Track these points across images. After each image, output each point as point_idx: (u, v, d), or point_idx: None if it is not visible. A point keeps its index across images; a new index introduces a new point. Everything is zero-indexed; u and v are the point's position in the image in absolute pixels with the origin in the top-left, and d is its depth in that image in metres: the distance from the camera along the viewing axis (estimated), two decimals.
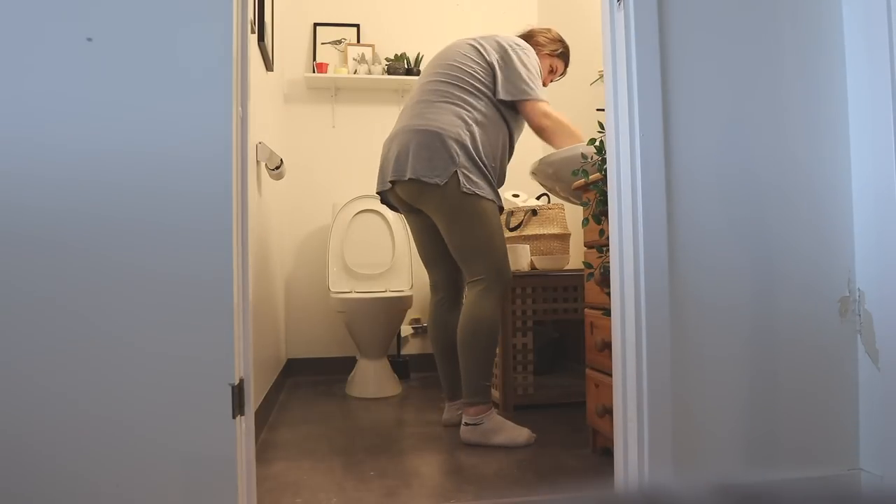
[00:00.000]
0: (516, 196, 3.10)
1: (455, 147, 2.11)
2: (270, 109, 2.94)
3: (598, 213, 1.81)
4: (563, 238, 2.83)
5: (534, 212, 2.84)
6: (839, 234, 1.55)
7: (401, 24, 3.69)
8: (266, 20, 2.61)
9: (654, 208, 1.45)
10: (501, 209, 2.26)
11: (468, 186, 2.11)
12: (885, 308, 1.47)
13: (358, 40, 3.64)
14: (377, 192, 2.35)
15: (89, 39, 1.26)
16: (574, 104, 3.26)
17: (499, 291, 2.16)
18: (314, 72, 3.52)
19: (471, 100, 2.19)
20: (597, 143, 1.85)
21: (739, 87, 1.53)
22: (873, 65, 1.49)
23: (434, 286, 2.41)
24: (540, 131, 2.27)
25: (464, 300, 2.25)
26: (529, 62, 2.26)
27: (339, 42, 3.64)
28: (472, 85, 2.20)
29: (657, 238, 1.45)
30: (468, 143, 2.14)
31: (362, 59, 3.58)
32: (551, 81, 2.54)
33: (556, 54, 2.48)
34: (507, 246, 2.66)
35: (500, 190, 2.34)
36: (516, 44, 2.28)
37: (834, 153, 1.56)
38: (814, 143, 1.55)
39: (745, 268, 1.51)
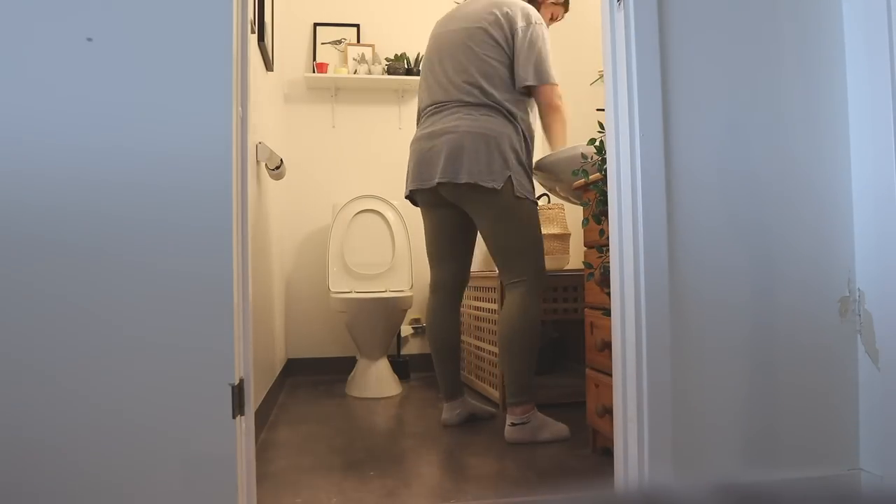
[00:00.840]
0: None
1: (509, 152, 2.15)
2: (270, 109, 2.94)
3: (598, 213, 1.81)
4: (563, 238, 2.83)
5: None
6: (839, 233, 1.55)
7: (401, 24, 3.69)
8: (266, 20, 2.61)
9: (654, 208, 1.45)
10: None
11: (520, 191, 2.16)
12: (885, 308, 1.47)
13: (358, 40, 3.64)
14: (414, 189, 2.30)
15: (89, 39, 1.26)
16: (574, 104, 3.26)
17: (540, 291, 2.19)
18: (314, 72, 3.52)
19: (508, 97, 2.20)
20: (597, 143, 1.85)
21: (739, 87, 1.53)
22: (873, 64, 1.49)
23: (440, 285, 2.39)
24: (553, 111, 2.24)
25: (506, 300, 2.25)
26: (546, 39, 2.25)
27: (339, 42, 3.64)
28: (503, 81, 2.20)
29: (657, 238, 1.45)
30: (518, 147, 2.19)
31: (362, 59, 3.58)
32: (551, 24, 2.51)
33: (560, 3, 2.47)
34: None
35: None
36: (528, 20, 2.23)
37: (834, 152, 1.56)
38: (814, 143, 1.55)
39: (745, 267, 1.51)
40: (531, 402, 2.15)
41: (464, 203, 2.22)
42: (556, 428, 2.15)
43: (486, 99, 2.19)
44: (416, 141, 2.31)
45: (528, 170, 2.23)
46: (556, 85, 2.23)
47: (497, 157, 2.13)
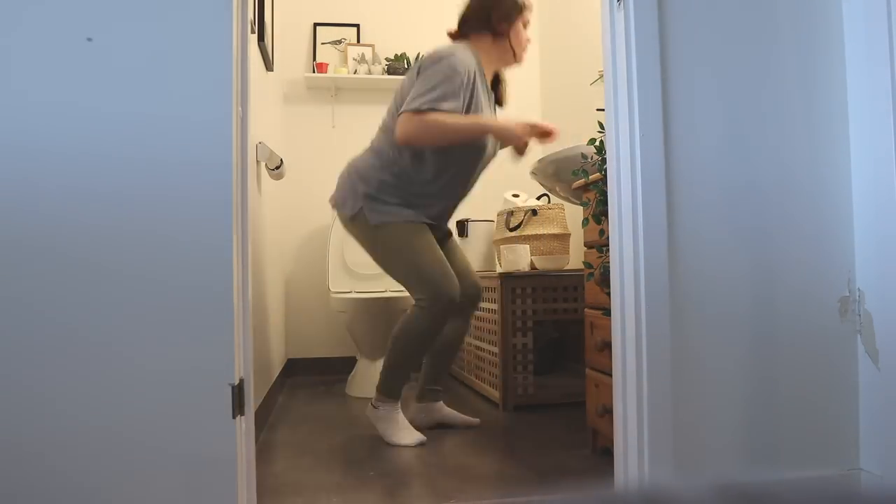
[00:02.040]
0: (516, 196, 3.10)
1: (360, 185, 2.21)
2: (270, 109, 2.94)
3: (598, 213, 1.81)
4: (563, 238, 2.83)
5: (534, 212, 2.84)
6: (839, 233, 1.55)
7: (401, 24, 3.69)
8: (266, 20, 2.61)
9: (654, 208, 1.45)
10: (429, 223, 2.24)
11: (373, 218, 2.18)
12: (885, 308, 1.47)
13: (358, 40, 3.64)
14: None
15: (89, 39, 1.26)
16: (574, 104, 3.26)
17: (438, 310, 2.14)
18: (314, 72, 3.52)
19: (384, 139, 2.22)
20: (597, 143, 1.85)
21: (739, 87, 1.53)
22: (873, 63, 1.49)
23: None
24: (406, 142, 2.10)
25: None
26: (434, 74, 2.07)
27: (339, 42, 3.64)
28: (389, 126, 2.21)
29: (657, 238, 1.45)
30: (372, 180, 2.19)
31: (362, 59, 3.58)
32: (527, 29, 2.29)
33: (524, 8, 2.24)
34: (507, 246, 2.68)
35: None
36: (430, 59, 2.11)
37: (834, 152, 1.56)
38: (814, 143, 1.55)
39: (745, 267, 1.51)
40: (384, 394, 2.21)
41: (350, 233, 2.32)
42: (393, 432, 2.16)
43: (373, 138, 2.30)
44: None
45: (386, 199, 2.18)
46: (414, 111, 2.04)
47: (349, 189, 2.24)
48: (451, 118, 2.06)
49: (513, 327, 2.57)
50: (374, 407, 2.24)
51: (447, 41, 2.32)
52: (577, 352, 2.94)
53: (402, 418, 2.22)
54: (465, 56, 2.13)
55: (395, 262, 2.22)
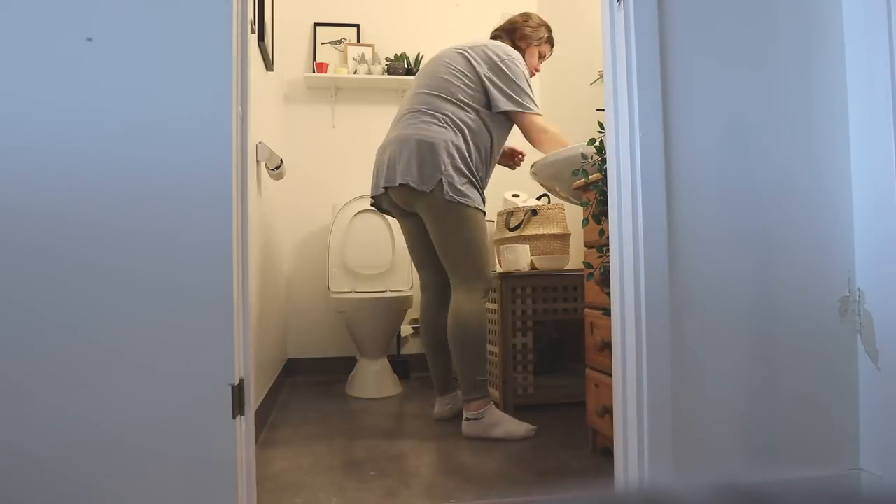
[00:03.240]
0: (516, 196, 3.09)
1: (444, 157, 2.21)
2: (270, 109, 2.94)
3: (598, 213, 1.81)
4: (563, 238, 2.83)
5: (534, 212, 2.84)
6: (839, 233, 1.55)
7: (401, 24, 3.69)
8: (266, 20, 2.61)
9: (654, 208, 1.45)
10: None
11: (451, 194, 2.21)
12: (885, 308, 1.47)
13: (358, 40, 3.64)
14: (372, 197, 2.47)
15: (89, 39, 1.26)
16: (574, 104, 3.26)
17: (480, 291, 2.28)
18: (314, 72, 3.52)
19: (459, 112, 2.29)
20: (597, 143, 1.85)
21: (739, 87, 1.53)
22: (873, 63, 1.49)
23: (423, 286, 2.54)
24: (538, 144, 2.37)
25: (451, 301, 2.35)
26: (523, 73, 2.36)
27: (339, 42, 3.64)
28: (460, 99, 2.30)
29: (657, 238, 1.45)
30: (455, 153, 2.24)
31: (362, 59, 3.58)
32: (541, 63, 2.62)
33: (544, 41, 2.57)
34: (507, 246, 2.68)
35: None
36: (506, 55, 2.36)
37: (834, 152, 1.56)
38: (814, 143, 1.55)
39: (745, 266, 1.51)
40: (484, 398, 2.23)
41: (413, 207, 2.33)
42: (513, 426, 2.19)
43: (435, 109, 2.29)
44: (377, 153, 2.45)
45: (472, 178, 2.29)
46: (537, 115, 2.35)
47: (430, 161, 2.21)
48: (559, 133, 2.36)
49: (513, 327, 2.56)
50: (476, 419, 2.20)
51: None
52: (577, 352, 2.94)
53: (502, 413, 2.26)
54: None
55: (465, 244, 2.26)
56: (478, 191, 2.32)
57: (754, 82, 1.53)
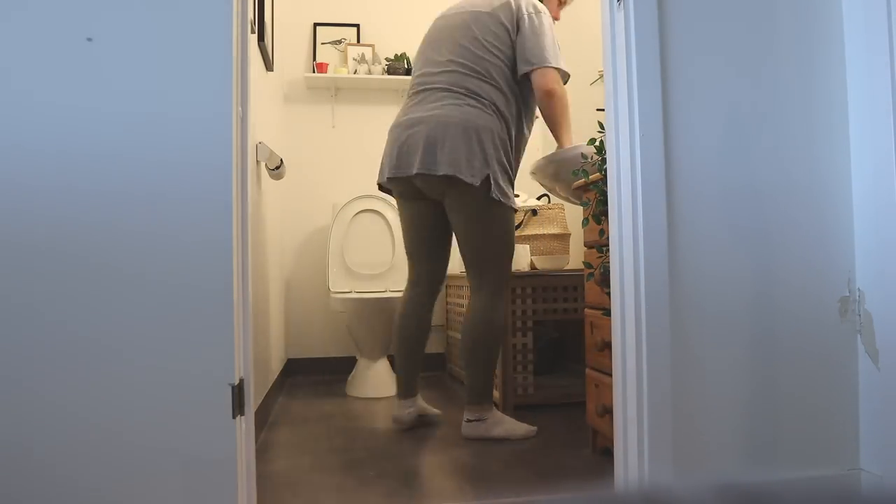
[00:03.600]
0: (516, 196, 3.09)
1: (491, 149, 2.08)
2: (270, 109, 2.94)
3: (598, 213, 1.81)
4: (563, 238, 2.83)
5: (534, 212, 2.84)
6: (839, 233, 1.55)
7: (401, 24, 3.69)
8: (266, 20, 2.61)
9: (654, 208, 1.45)
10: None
11: (496, 193, 2.09)
12: (885, 308, 1.47)
13: (358, 40, 3.64)
14: (389, 177, 2.20)
15: (89, 39, 1.26)
16: (574, 104, 3.26)
17: (504, 297, 2.21)
18: (314, 72, 3.52)
19: (499, 97, 2.13)
20: (597, 144, 1.85)
21: (739, 87, 1.53)
22: (873, 63, 1.49)
23: (415, 281, 2.35)
24: (548, 96, 2.14)
25: (472, 304, 2.24)
26: (549, 28, 2.19)
27: (339, 42, 3.64)
28: (495, 79, 2.14)
29: (657, 238, 1.45)
30: (500, 146, 2.11)
31: (362, 59, 3.58)
32: (560, 10, 2.47)
33: None
34: None
35: None
36: (535, 9, 2.19)
37: (834, 152, 1.56)
38: (814, 143, 1.55)
39: (745, 266, 1.51)
40: (489, 401, 2.20)
41: (443, 196, 2.15)
42: (512, 426, 2.17)
43: (476, 91, 2.11)
44: (395, 127, 2.21)
45: (510, 174, 2.18)
46: (557, 69, 2.14)
47: (478, 151, 2.05)
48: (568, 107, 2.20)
49: (513, 327, 2.56)
50: (480, 420, 2.16)
51: None
52: (577, 352, 2.94)
53: (502, 413, 2.24)
54: None
55: (500, 246, 2.15)
56: (512, 188, 2.20)
57: (754, 82, 1.53)
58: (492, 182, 2.07)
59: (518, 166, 2.32)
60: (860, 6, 1.52)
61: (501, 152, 2.12)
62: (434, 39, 2.29)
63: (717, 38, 1.52)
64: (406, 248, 2.37)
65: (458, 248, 2.23)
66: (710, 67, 1.51)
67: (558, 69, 2.16)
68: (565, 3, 2.47)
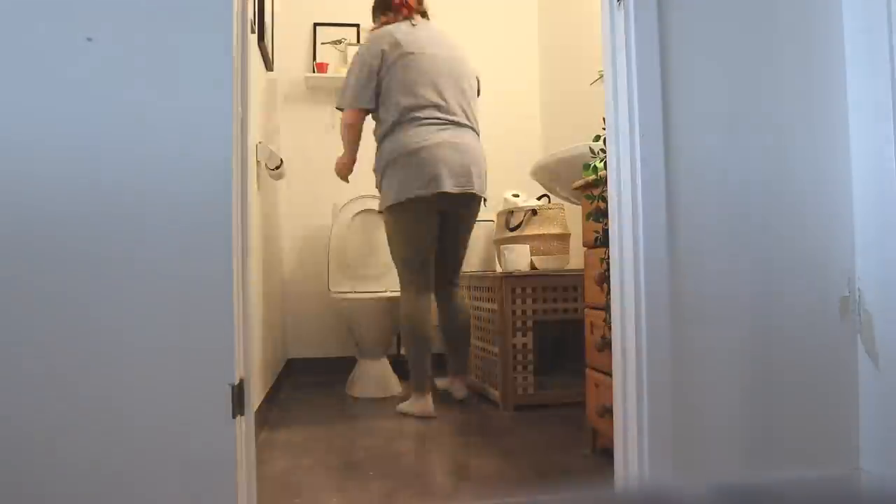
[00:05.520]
0: (516, 196, 3.10)
1: (483, 164, 2.62)
2: (270, 109, 2.93)
3: (598, 213, 1.81)
4: (563, 238, 2.83)
5: (534, 212, 2.84)
6: (839, 233, 1.55)
7: None
8: (266, 20, 2.61)
9: (654, 208, 1.45)
10: None
11: (484, 203, 2.68)
12: (885, 308, 1.47)
13: (358, 40, 3.63)
14: (432, 193, 2.43)
15: (89, 39, 1.26)
16: (574, 104, 3.26)
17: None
18: (314, 72, 3.51)
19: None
20: (602, 140, 1.85)
21: (740, 87, 1.53)
22: (873, 62, 1.49)
23: (425, 286, 2.58)
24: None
25: (454, 299, 2.74)
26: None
27: (339, 42, 3.63)
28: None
29: (657, 238, 1.45)
30: None
31: None
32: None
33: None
34: (507, 246, 2.70)
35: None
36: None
37: (834, 152, 1.56)
38: (814, 142, 1.55)
39: (745, 266, 1.51)
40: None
41: (464, 209, 2.60)
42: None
43: (473, 124, 2.61)
44: (438, 147, 2.45)
45: None
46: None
47: (485, 173, 2.62)
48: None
49: (513, 327, 2.56)
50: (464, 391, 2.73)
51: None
52: (577, 352, 2.94)
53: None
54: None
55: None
56: None
57: (754, 82, 1.53)
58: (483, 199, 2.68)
59: None
60: (860, 6, 1.52)
61: None
62: (434, 74, 2.54)
63: (717, 38, 1.52)
64: (413, 257, 2.56)
65: (440, 252, 2.64)
66: (710, 67, 1.51)
67: None
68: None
